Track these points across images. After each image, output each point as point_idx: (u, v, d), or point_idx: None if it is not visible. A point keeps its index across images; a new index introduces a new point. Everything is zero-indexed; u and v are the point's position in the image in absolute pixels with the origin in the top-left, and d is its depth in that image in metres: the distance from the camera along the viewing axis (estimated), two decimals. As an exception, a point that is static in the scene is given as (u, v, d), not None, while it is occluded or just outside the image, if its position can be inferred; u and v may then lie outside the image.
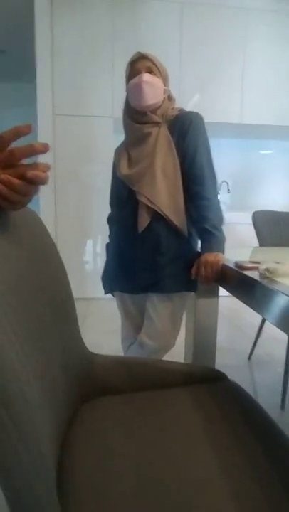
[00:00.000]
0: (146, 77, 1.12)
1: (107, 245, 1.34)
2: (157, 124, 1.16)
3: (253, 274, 0.82)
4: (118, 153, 1.28)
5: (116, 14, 2.77)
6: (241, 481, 0.53)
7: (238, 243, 2.36)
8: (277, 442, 0.62)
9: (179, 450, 0.60)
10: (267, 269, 0.76)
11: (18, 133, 0.48)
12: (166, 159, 1.13)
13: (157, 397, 0.77)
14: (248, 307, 0.87)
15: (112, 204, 1.35)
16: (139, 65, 1.15)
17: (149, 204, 1.11)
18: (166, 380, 0.83)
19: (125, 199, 1.19)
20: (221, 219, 1.13)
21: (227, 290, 1.05)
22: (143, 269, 1.16)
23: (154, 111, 1.16)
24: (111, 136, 2.87)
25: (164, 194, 1.12)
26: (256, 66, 2.98)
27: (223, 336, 1.42)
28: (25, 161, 0.52)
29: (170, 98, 1.21)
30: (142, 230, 1.13)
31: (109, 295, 1.32)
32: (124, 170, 1.19)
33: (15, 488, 0.36)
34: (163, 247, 1.14)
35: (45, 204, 2.83)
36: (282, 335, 2.04)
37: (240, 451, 0.59)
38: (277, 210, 1.91)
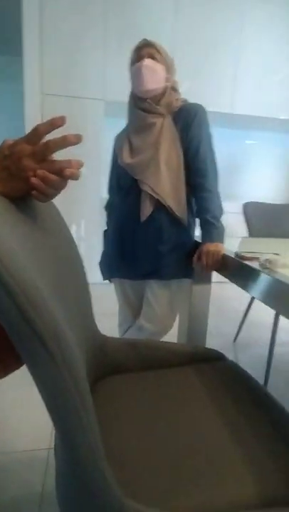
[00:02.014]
0: (146, 61, 1.14)
1: (105, 232, 1.37)
2: (161, 115, 1.18)
3: (254, 265, 0.89)
4: (119, 140, 1.29)
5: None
6: (249, 445, 0.61)
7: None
8: (275, 409, 0.71)
9: (190, 421, 0.67)
10: (268, 260, 0.84)
11: (53, 125, 0.50)
12: (170, 151, 1.17)
13: (165, 375, 0.84)
14: (234, 294, 0.94)
15: (111, 191, 1.37)
16: (143, 52, 1.16)
17: (153, 194, 1.15)
18: (173, 360, 0.90)
19: (128, 187, 1.22)
20: (221, 210, 1.19)
21: (226, 277, 1.13)
22: (144, 257, 1.21)
23: (156, 101, 1.17)
24: (102, 119, 2.84)
25: (167, 185, 1.16)
26: (250, 56, 3.00)
27: (211, 320, 1.52)
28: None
29: (174, 89, 1.22)
30: (145, 219, 1.17)
31: (99, 280, 1.36)
32: (127, 159, 1.21)
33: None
34: (164, 236, 1.19)
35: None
36: (266, 320, 2.20)
37: (245, 418, 0.67)
38: (262, 199, 1.99)
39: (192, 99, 1.24)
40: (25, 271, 0.32)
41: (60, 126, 0.51)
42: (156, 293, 1.23)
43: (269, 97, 3.10)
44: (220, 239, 1.17)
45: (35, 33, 2.62)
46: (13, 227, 0.44)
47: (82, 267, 0.78)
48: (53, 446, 1.02)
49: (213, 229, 1.16)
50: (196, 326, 1.40)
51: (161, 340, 1.29)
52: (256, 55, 3.01)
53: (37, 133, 0.50)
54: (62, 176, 0.51)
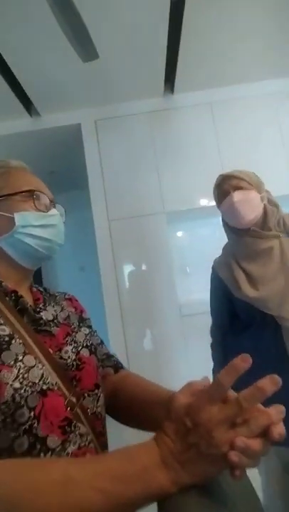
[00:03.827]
0: (237, 196, 1.07)
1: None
2: (276, 236, 1.05)
3: None
4: (226, 268, 1.15)
5: (153, 122, 3.00)
6: None
7: None
8: None
9: None
10: None
11: (237, 371, 0.39)
12: (305, 273, 0.98)
13: None
14: None
15: (222, 329, 1.18)
16: (225, 186, 1.11)
17: (303, 331, 0.93)
18: None
19: (259, 324, 1.02)
20: None
21: None
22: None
23: (262, 225, 1.07)
24: (166, 229, 2.89)
25: (314, 314, 0.94)
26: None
27: None
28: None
29: (274, 204, 1.11)
30: None
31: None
32: (250, 291, 1.04)
33: None
34: None
35: (110, 309, 2.73)
36: None
37: None
38: None
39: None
40: None
41: (245, 369, 0.39)
42: None
43: None
44: None
45: (98, 173, 2.93)
46: None
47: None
48: None
49: None
50: None
51: None
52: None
53: (221, 388, 0.39)
54: (268, 438, 0.38)
